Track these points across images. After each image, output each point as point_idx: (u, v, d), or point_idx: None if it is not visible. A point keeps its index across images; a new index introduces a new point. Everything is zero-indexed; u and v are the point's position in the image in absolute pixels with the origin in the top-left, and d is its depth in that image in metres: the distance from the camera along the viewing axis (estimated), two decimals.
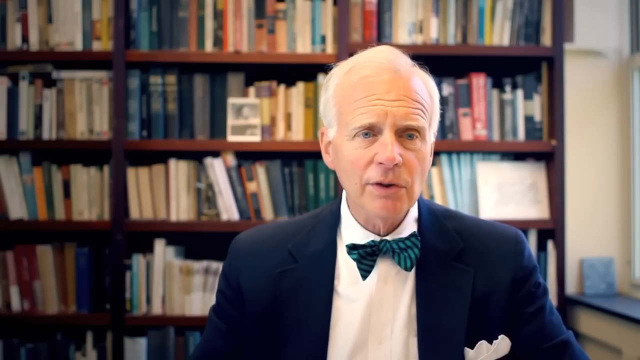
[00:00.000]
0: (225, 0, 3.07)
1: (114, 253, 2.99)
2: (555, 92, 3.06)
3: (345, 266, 1.49)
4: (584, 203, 3.26)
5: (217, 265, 3.01)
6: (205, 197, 3.06)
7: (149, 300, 3.03)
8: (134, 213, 3.06)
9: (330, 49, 3.06)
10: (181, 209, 3.05)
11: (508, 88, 3.13)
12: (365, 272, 1.45)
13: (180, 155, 3.08)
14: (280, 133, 3.07)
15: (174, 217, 3.04)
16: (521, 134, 3.12)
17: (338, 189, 3.03)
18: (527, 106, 3.13)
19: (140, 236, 3.07)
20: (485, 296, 1.47)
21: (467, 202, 3.09)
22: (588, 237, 3.26)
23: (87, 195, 3.04)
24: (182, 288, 3.02)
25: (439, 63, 3.01)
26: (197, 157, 3.08)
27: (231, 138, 3.05)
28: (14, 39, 3.06)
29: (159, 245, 3.03)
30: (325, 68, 1.62)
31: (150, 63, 3.07)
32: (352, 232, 1.50)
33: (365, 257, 1.45)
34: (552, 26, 3.08)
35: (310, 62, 3.03)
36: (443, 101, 2.96)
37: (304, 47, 3.07)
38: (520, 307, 1.49)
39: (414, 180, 1.42)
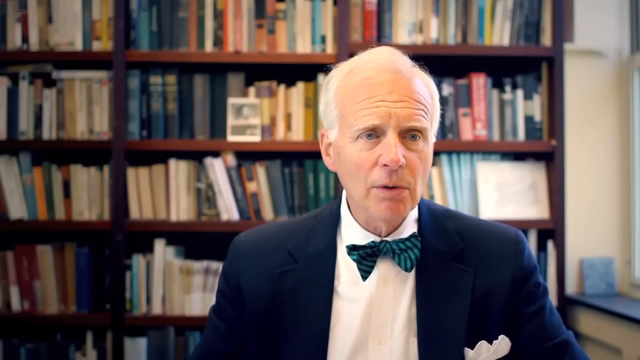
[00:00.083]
0: (225, 0, 3.07)
1: (114, 253, 2.99)
2: (555, 92, 3.06)
3: (345, 266, 1.49)
4: (584, 203, 3.26)
5: (217, 265, 3.01)
6: (205, 197, 3.06)
7: (149, 300, 3.03)
8: (134, 213, 3.06)
9: (330, 49, 3.06)
10: (181, 209, 3.05)
11: (508, 88, 3.13)
12: (365, 273, 1.45)
13: (180, 155, 3.08)
14: (280, 133, 3.07)
15: (174, 217, 3.04)
16: (521, 134, 3.12)
17: (338, 189, 3.03)
18: (527, 106, 3.13)
19: (140, 236, 3.07)
20: (486, 296, 1.47)
21: (467, 202, 3.09)
22: (588, 237, 3.26)
23: (87, 195, 3.04)
24: (182, 288, 3.02)
25: (439, 63, 3.01)
26: (197, 157, 3.08)
27: (231, 138, 3.05)
28: (14, 39, 3.06)
29: (159, 245, 3.03)
30: (325, 68, 1.62)
31: (150, 63, 3.07)
32: (352, 232, 1.50)
33: (366, 257, 1.45)
34: (552, 26, 3.09)
35: (310, 62, 3.03)
36: (443, 101, 2.96)
37: (304, 47, 3.07)
38: (520, 307, 1.49)
39: (417, 182, 1.42)
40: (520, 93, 3.12)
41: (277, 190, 3.06)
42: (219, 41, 3.07)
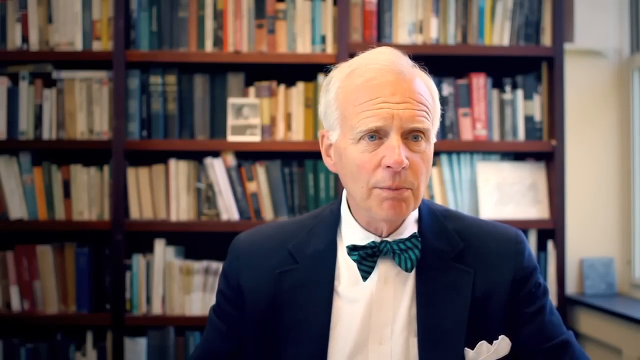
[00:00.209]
0: (225, 0, 3.07)
1: (114, 253, 2.99)
2: (555, 92, 3.06)
3: (346, 267, 1.49)
4: (584, 203, 3.26)
5: (217, 265, 3.01)
6: (205, 197, 3.06)
7: (149, 300, 3.03)
8: (134, 213, 3.06)
9: (330, 49, 3.06)
10: (181, 209, 3.05)
11: (508, 88, 3.13)
12: (365, 273, 1.45)
13: (180, 155, 3.08)
14: (280, 133, 3.07)
15: (174, 217, 3.04)
16: (521, 134, 3.12)
17: (338, 189, 3.03)
18: (527, 106, 3.13)
19: (140, 236, 3.07)
20: (486, 296, 1.47)
21: (467, 202, 3.09)
22: (588, 237, 3.26)
23: (87, 195, 3.04)
24: (182, 288, 3.02)
25: (439, 63, 3.02)
26: (197, 157, 3.08)
27: (231, 138, 3.05)
28: (14, 39, 3.06)
29: (159, 245, 3.04)
30: (324, 69, 1.62)
31: (150, 63, 3.07)
32: (352, 232, 1.50)
33: (366, 258, 1.45)
34: (552, 26, 3.09)
35: (310, 62, 3.03)
36: (443, 101, 2.96)
37: (304, 47, 3.07)
38: (520, 307, 1.49)
39: (420, 182, 1.42)
40: (520, 93, 3.12)
41: (277, 190, 3.06)
42: (219, 41, 3.07)
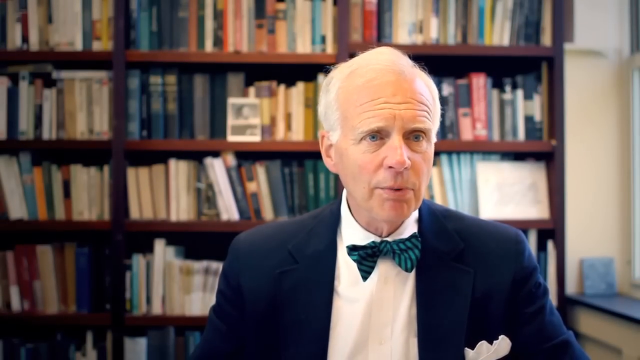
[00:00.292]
0: (225, 0, 3.07)
1: (114, 253, 2.99)
2: (555, 92, 3.06)
3: (346, 267, 1.49)
4: (584, 203, 3.26)
5: (217, 265, 3.01)
6: (205, 197, 3.06)
7: (149, 300, 3.03)
8: (134, 213, 3.06)
9: (330, 49, 3.06)
10: (181, 209, 3.05)
11: (508, 88, 3.13)
12: (365, 274, 1.45)
13: (180, 155, 3.08)
14: (280, 133, 3.07)
15: (174, 217, 3.04)
16: (521, 134, 3.12)
17: (338, 189, 3.03)
18: (527, 106, 3.13)
19: (140, 236, 3.07)
20: (486, 296, 1.47)
21: (467, 202, 3.09)
22: (588, 237, 3.26)
23: (87, 195, 3.04)
24: (182, 288, 3.02)
25: (439, 63, 3.02)
26: (197, 157, 3.08)
27: (231, 138, 3.05)
28: (14, 39, 3.06)
29: (159, 245, 3.03)
30: (324, 69, 1.62)
31: (150, 63, 3.07)
32: (352, 232, 1.50)
33: (366, 258, 1.45)
34: (552, 26, 3.09)
35: (310, 62, 3.03)
36: (443, 101, 2.96)
37: (304, 47, 3.07)
38: (520, 307, 1.49)
39: (421, 182, 1.42)
40: (520, 93, 3.12)
41: (277, 190, 3.06)
42: (219, 41, 3.07)
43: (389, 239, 1.47)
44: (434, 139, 1.46)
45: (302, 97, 3.07)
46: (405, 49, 1.51)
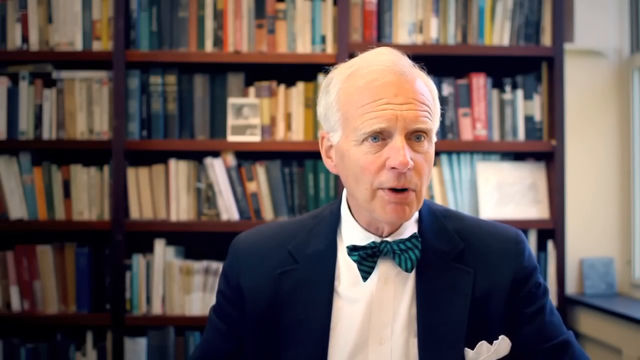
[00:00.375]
0: (225, 0, 3.07)
1: (114, 253, 2.99)
2: (555, 92, 3.06)
3: (346, 267, 1.49)
4: (584, 203, 3.26)
5: (217, 265, 3.01)
6: (205, 197, 3.06)
7: (149, 300, 3.03)
8: (134, 213, 3.06)
9: (330, 49, 3.06)
10: (181, 209, 3.05)
11: (508, 88, 3.13)
12: (365, 274, 1.45)
13: (180, 155, 3.08)
14: (280, 133, 3.07)
15: (174, 217, 3.04)
16: (521, 134, 3.12)
17: (338, 189, 3.03)
18: (527, 106, 3.13)
19: (140, 236, 3.07)
20: (486, 296, 1.47)
21: (467, 202, 3.09)
22: (588, 237, 3.26)
23: (87, 195, 3.04)
24: (182, 288, 3.02)
25: (439, 63, 3.02)
26: (197, 157, 3.08)
27: (231, 138, 3.05)
28: (14, 39, 3.06)
29: (159, 245, 3.03)
30: (324, 69, 1.62)
31: (150, 63, 3.07)
32: (352, 232, 1.50)
33: (366, 258, 1.45)
34: (552, 26, 3.08)
35: (310, 62, 3.03)
36: (443, 101, 2.96)
37: (304, 47, 3.07)
38: (520, 307, 1.49)
39: (423, 183, 1.42)
40: (520, 93, 3.12)
41: (277, 190, 3.06)
42: (219, 41, 3.07)
43: (389, 239, 1.47)
44: (434, 138, 1.46)
45: (302, 97, 3.07)
46: (405, 49, 1.51)
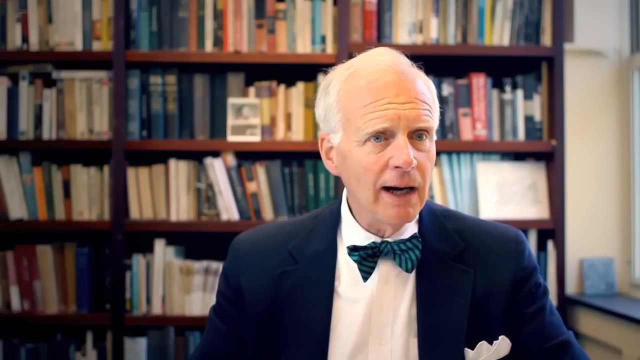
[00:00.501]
0: (225, 0, 3.07)
1: (114, 253, 2.99)
2: (555, 92, 3.06)
3: (346, 267, 1.49)
4: (584, 203, 3.26)
5: (217, 265, 3.01)
6: (205, 197, 3.06)
7: (149, 300, 3.03)
8: (134, 213, 3.06)
9: (330, 49, 3.06)
10: (181, 209, 3.05)
11: (508, 88, 3.13)
12: (366, 274, 1.45)
13: (180, 155, 3.08)
14: (280, 133, 3.07)
15: (174, 217, 3.04)
16: (521, 134, 3.12)
17: (338, 189, 3.03)
18: (527, 106, 3.13)
19: (140, 236, 3.07)
20: (486, 296, 1.47)
21: (467, 202, 3.09)
22: (588, 237, 3.26)
23: (87, 195, 3.04)
24: (182, 288, 3.02)
25: (439, 63, 3.02)
26: (197, 157, 3.08)
27: (231, 138, 3.05)
28: (14, 39, 3.06)
29: (159, 245, 3.03)
30: (323, 69, 1.62)
31: (150, 63, 3.07)
32: (352, 233, 1.50)
33: (366, 258, 1.45)
34: (552, 26, 3.08)
35: (310, 62, 3.03)
36: (443, 101, 2.96)
37: (304, 47, 3.07)
38: (520, 307, 1.49)
39: (426, 181, 1.43)
40: (520, 93, 3.12)
41: (277, 190, 3.06)
42: (219, 41, 3.07)
43: (389, 239, 1.47)
44: (435, 137, 1.47)
45: (302, 97, 3.07)
46: (405, 49, 1.51)
